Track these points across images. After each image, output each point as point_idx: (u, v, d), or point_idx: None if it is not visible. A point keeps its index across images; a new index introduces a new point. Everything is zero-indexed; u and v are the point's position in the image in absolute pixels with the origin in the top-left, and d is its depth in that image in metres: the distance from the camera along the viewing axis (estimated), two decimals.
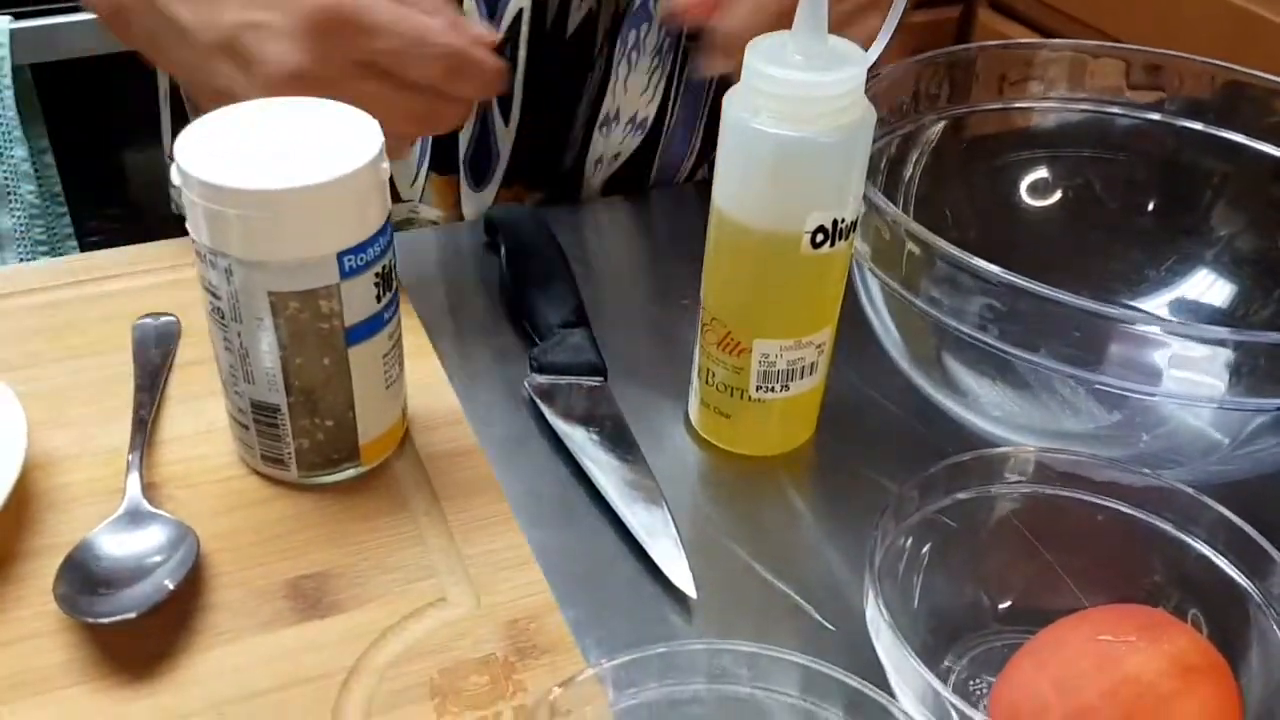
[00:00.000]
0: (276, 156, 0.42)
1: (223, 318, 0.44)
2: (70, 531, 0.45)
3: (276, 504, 0.48)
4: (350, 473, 0.49)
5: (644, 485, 0.52)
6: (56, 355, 0.55)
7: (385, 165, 0.43)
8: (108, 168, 1.41)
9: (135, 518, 0.45)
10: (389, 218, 0.45)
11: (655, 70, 0.72)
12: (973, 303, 0.48)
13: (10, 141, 1.31)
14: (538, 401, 0.56)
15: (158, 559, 0.43)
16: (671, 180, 0.78)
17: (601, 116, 0.73)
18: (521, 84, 0.70)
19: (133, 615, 0.41)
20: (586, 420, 0.55)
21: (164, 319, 0.57)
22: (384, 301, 0.46)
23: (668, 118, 0.75)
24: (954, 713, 0.36)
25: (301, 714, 0.40)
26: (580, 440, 0.54)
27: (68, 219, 1.34)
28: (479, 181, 0.73)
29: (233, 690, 0.40)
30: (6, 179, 1.31)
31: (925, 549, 0.46)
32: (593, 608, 0.46)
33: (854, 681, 0.36)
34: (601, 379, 0.57)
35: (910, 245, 0.49)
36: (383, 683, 0.41)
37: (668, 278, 0.67)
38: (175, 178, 0.42)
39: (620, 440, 0.54)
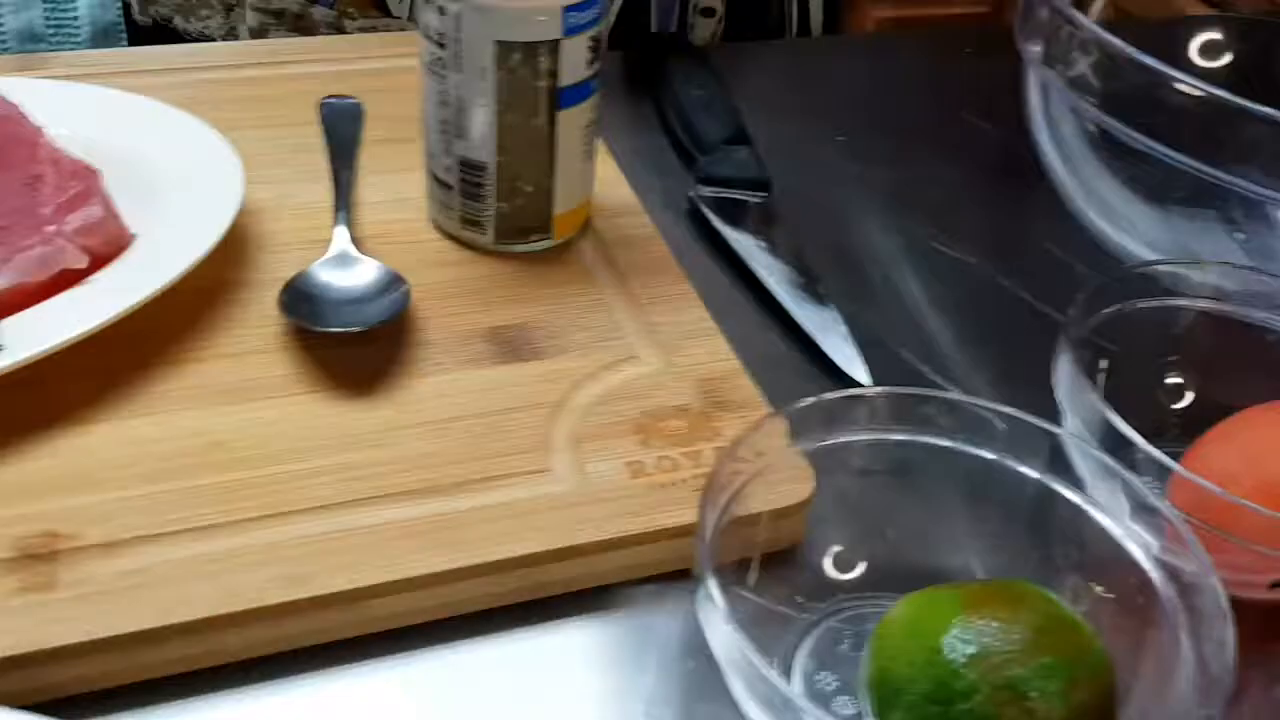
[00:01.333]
0: None
1: (443, 67, 0.46)
2: (283, 269, 0.47)
3: (471, 265, 0.50)
4: (540, 245, 0.51)
5: (811, 288, 0.53)
6: (250, 123, 0.57)
7: None
8: None
9: (345, 260, 0.47)
10: None
11: None
12: (1171, 122, 0.48)
13: None
14: (704, 210, 0.57)
15: (374, 290, 0.45)
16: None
17: None
18: None
19: (359, 329, 0.43)
20: (752, 229, 0.57)
21: (348, 100, 0.59)
22: (593, 69, 0.47)
23: None
24: (1146, 463, 0.38)
25: (520, 433, 0.42)
26: (747, 246, 0.56)
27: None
28: None
29: (451, 411, 0.43)
30: None
31: (1103, 362, 0.47)
32: (767, 395, 0.48)
33: (1058, 430, 0.38)
34: (766, 194, 0.59)
35: (1111, 62, 0.50)
36: (588, 417, 0.43)
37: (823, 115, 0.68)
38: None
39: (786, 247, 0.56)
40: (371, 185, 0.54)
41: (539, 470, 0.41)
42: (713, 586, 0.32)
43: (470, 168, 0.48)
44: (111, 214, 0.44)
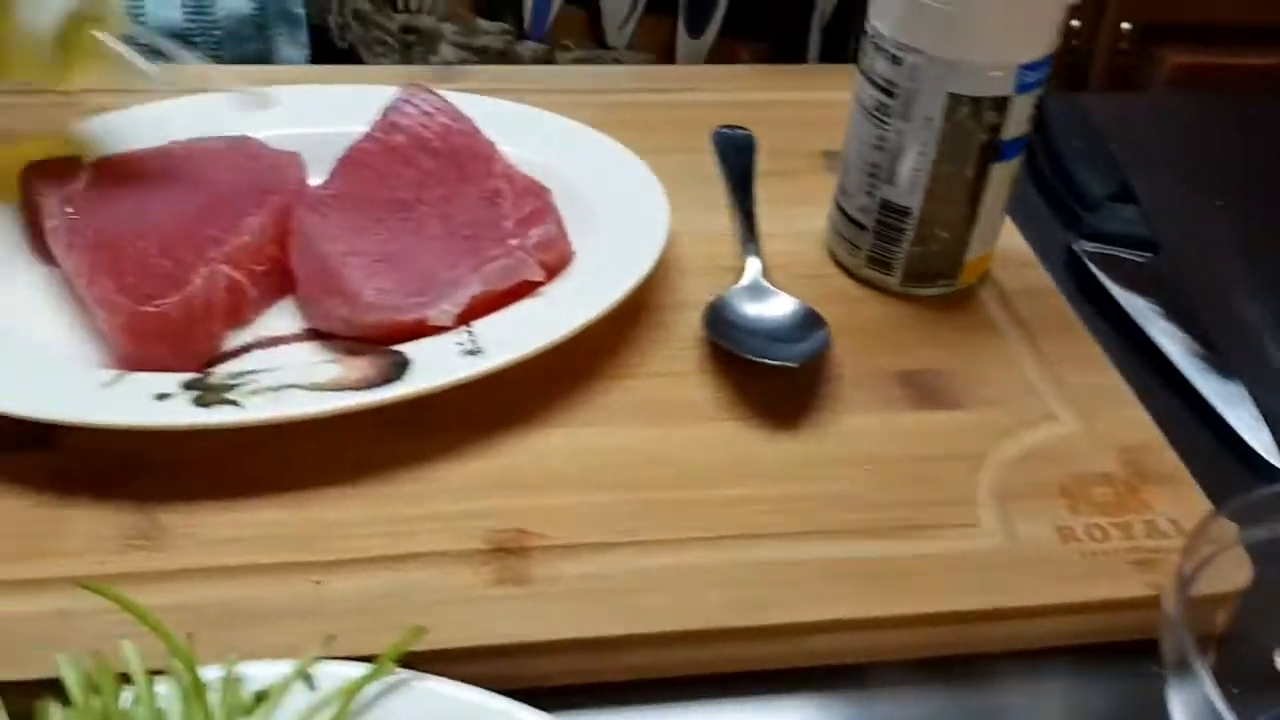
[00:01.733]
0: None
1: (886, 114, 0.47)
2: (695, 293, 0.49)
3: (874, 304, 0.51)
4: (943, 289, 0.51)
5: (1213, 358, 0.51)
6: (645, 148, 0.59)
7: None
8: None
9: (759, 291, 0.49)
10: None
11: None
12: None
13: None
14: (1091, 267, 0.56)
15: (793, 325, 0.47)
16: None
17: None
18: None
19: (793, 364, 0.44)
20: (1141, 290, 0.55)
21: (740, 132, 0.61)
22: (1030, 125, 0.47)
23: None
24: None
25: (944, 483, 0.42)
26: (1139, 308, 0.54)
27: None
28: (697, 27, 0.71)
29: (872, 452, 0.43)
30: None
31: None
32: None
33: None
34: (1153, 255, 0.57)
35: None
36: (1011, 474, 0.43)
37: (1196, 173, 0.66)
38: None
39: (1182, 312, 0.54)
40: (769, 217, 0.55)
41: (967, 524, 0.41)
42: (1197, 664, 0.32)
43: (892, 211, 0.48)
44: (562, 232, 0.47)
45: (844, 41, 0.75)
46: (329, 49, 0.77)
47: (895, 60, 0.45)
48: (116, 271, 0.43)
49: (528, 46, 0.70)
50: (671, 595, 0.37)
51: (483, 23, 0.69)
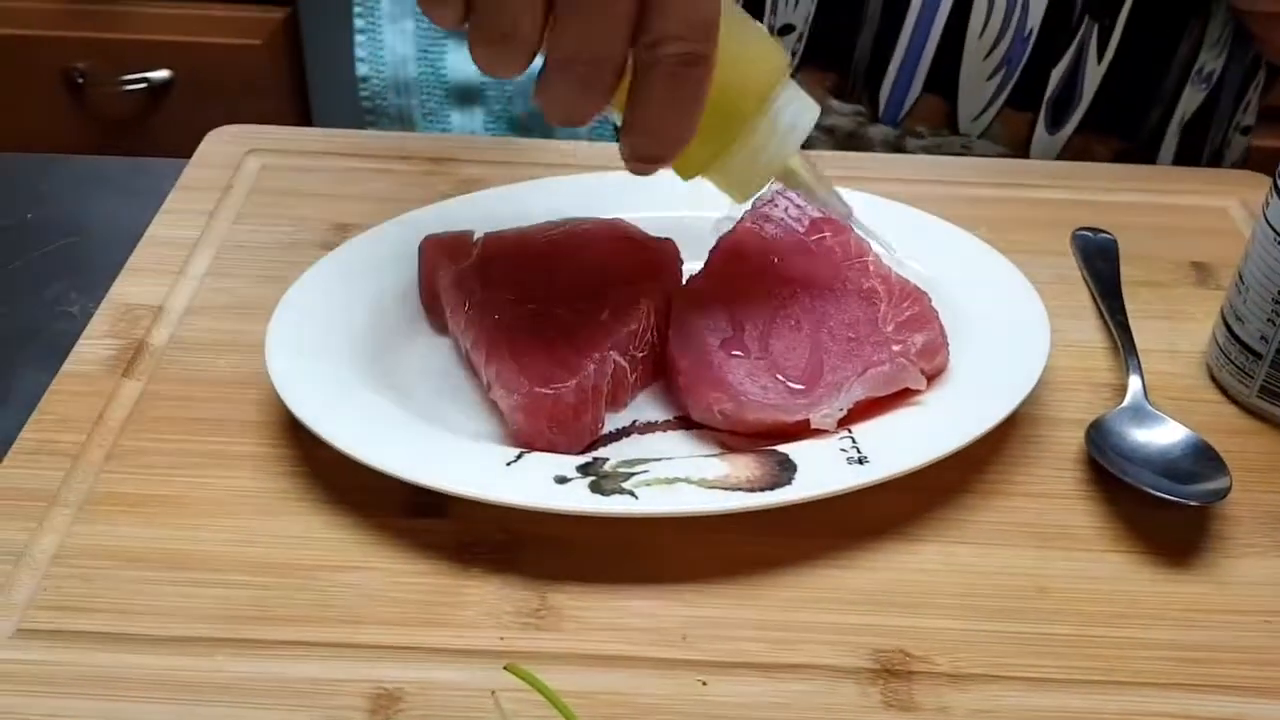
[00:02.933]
0: None
1: None
2: (1066, 408, 0.48)
3: (1265, 438, 0.48)
4: None
5: None
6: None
7: None
8: None
9: (1143, 414, 0.46)
10: None
11: (1226, 22, 0.65)
12: None
13: None
14: None
15: (1186, 457, 0.44)
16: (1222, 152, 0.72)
17: (1197, 66, 0.66)
18: (1127, 11, 0.64)
19: (1193, 504, 0.42)
20: None
21: (1103, 235, 0.58)
22: None
23: (1226, 73, 0.68)
24: None
25: None
26: None
27: None
28: (1057, 122, 0.68)
29: (1271, 601, 0.41)
30: None
31: None
32: None
33: None
34: None
35: None
36: None
37: None
38: None
39: None
40: (1133, 329, 0.53)
41: None
42: None
43: None
44: (944, 339, 0.46)
45: (1201, 143, 0.72)
46: None
47: None
48: (515, 352, 0.45)
49: (879, 129, 0.70)
50: None
51: (835, 103, 0.69)
